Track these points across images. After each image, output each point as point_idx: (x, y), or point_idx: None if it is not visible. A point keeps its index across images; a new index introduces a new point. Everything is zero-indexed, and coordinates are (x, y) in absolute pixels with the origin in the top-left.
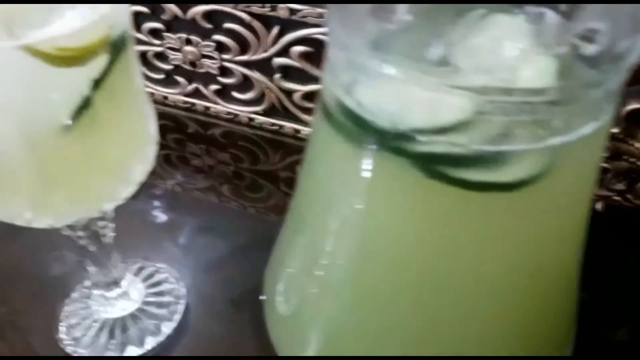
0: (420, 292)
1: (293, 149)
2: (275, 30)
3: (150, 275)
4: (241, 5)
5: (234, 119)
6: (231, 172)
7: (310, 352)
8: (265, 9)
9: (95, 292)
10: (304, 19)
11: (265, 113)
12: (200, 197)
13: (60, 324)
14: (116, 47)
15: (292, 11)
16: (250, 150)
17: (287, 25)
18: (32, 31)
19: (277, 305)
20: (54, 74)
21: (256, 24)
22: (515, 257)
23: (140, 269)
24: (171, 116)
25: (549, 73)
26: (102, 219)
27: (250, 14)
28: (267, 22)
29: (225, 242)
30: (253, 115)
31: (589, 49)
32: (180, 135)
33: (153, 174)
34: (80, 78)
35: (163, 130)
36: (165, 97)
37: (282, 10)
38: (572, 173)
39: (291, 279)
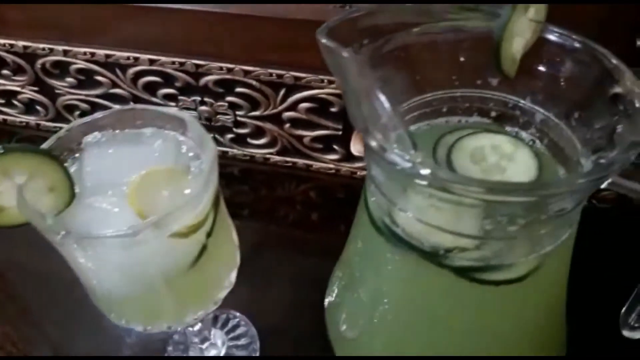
0: (450, 347)
1: (306, 179)
2: (282, 92)
3: (226, 323)
4: (250, 75)
5: (250, 159)
6: (250, 199)
7: None
8: (273, 78)
9: (192, 347)
10: (309, 84)
11: (278, 153)
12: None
13: None
14: (217, 201)
15: (297, 78)
16: (268, 182)
17: (293, 88)
18: (175, 224)
19: (343, 333)
20: (185, 240)
21: (265, 88)
22: (522, 322)
23: (216, 317)
24: None
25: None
26: None
27: (259, 81)
28: (275, 86)
29: (267, 266)
30: (268, 156)
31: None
32: None
33: None
34: (200, 236)
35: None
36: None
37: (288, 78)
38: (559, 260)
39: (354, 324)
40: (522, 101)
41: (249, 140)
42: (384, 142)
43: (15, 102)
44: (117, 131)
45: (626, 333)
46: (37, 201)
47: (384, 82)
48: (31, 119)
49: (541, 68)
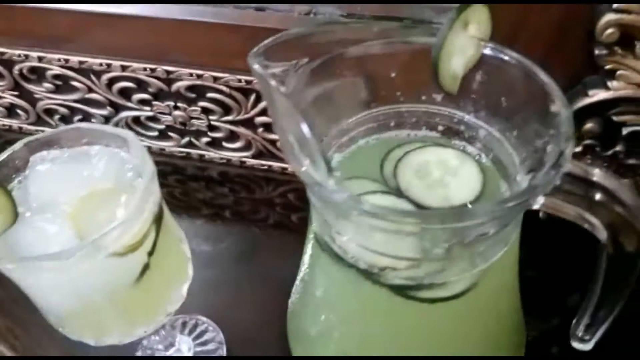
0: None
1: (283, 182)
2: (253, 97)
3: (193, 329)
4: (220, 81)
5: (227, 162)
6: (231, 201)
7: None
8: (242, 84)
9: (157, 353)
10: None
11: (254, 157)
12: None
13: None
14: (158, 218)
15: None
16: (245, 184)
17: None
18: (113, 244)
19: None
20: (124, 259)
21: (236, 94)
22: (465, 338)
23: (184, 323)
24: (170, 163)
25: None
26: None
27: (228, 86)
28: (245, 92)
29: (241, 271)
30: (244, 159)
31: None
32: (180, 176)
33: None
34: (140, 254)
35: (163, 174)
36: (162, 149)
37: (257, 84)
38: (496, 277)
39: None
40: (467, 116)
41: (224, 144)
42: (308, 167)
43: None
44: (63, 149)
45: (576, 345)
46: None
47: (327, 99)
48: (13, 123)
49: (481, 84)
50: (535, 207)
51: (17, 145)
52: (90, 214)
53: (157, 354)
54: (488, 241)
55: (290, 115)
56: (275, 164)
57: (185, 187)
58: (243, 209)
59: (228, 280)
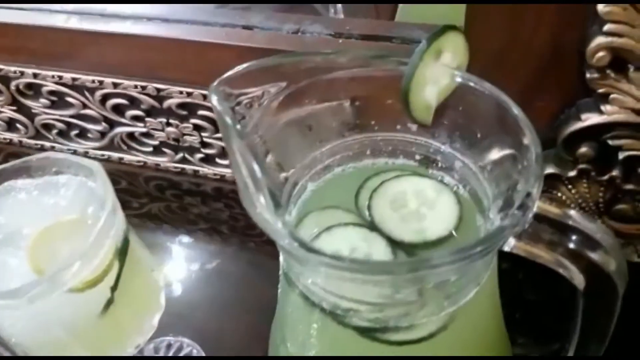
0: None
1: None
2: None
3: (179, 350)
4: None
5: (220, 178)
6: (227, 216)
7: None
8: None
9: None
10: None
11: None
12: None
13: None
14: (123, 251)
15: None
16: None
17: None
18: (73, 279)
19: None
20: (84, 295)
21: None
22: None
23: (169, 346)
24: (166, 178)
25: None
26: None
27: None
28: None
29: (229, 290)
30: None
31: None
32: (176, 191)
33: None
34: (102, 289)
35: (160, 188)
36: (157, 164)
37: None
38: (469, 318)
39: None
40: (442, 147)
41: (217, 160)
42: (262, 207)
43: None
44: (33, 178)
45: None
46: None
47: (299, 127)
48: (14, 136)
49: (456, 114)
50: (506, 249)
51: None
52: (49, 248)
53: None
54: (456, 284)
55: (244, 154)
56: None
57: (182, 202)
58: (239, 224)
59: (215, 301)
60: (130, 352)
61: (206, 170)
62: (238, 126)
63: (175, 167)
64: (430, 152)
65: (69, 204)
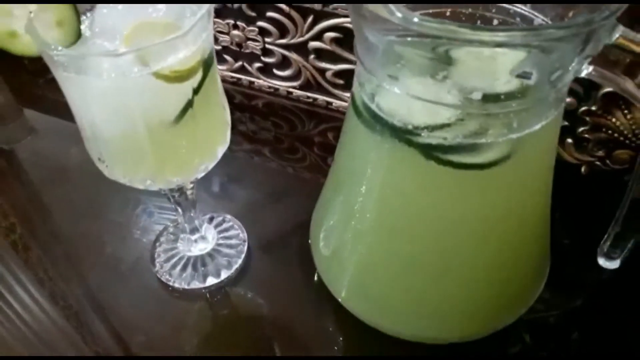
0: (425, 236)
1: (325, 118)
2: (310, 19)
3: (220, 224)
4: None
5: (274, 92)
6: (272, 136)
7: (346, 282)
8: (302, 2)
9: (182, 235)
10: (335, 11)
11: (301, 87)
12: (248, 159)
13: (155, 260)
14: (207, 64)
15: (325, 4)
16: (289, 118)
17: (320, 15)
18: (159, 62)
19: (322, 247)
20: (171, 88)
21: (294, 14)
22: (492, 213)
23: (212, 218)
24: None
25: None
26: (191, 182)
27: (289, 4)
28: (304, 12)
29: (271, 195)
30: (291, 89)
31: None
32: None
33: None
34: (186, 88)
35: None
36: None
37: (317, 4)
38: (530, 154)
39: (331, 227)
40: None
41: (274, 71)
42: None
43: None
44: None
45: (602, 262)
46: (45, 33)
47: None
48: None
49: None
50: (584, 74)
51: None
52: (143, 38)
53: (180, 237)
54: (525, 113)
55: None
56: (321, 97)
57: (232, 117)
58: (282, 146)
59: (259, 189)
60: (191, 175)
61: (262, 82)
62: None
63: (232, 77)
64: (510, 15)
65: (166, 10)
